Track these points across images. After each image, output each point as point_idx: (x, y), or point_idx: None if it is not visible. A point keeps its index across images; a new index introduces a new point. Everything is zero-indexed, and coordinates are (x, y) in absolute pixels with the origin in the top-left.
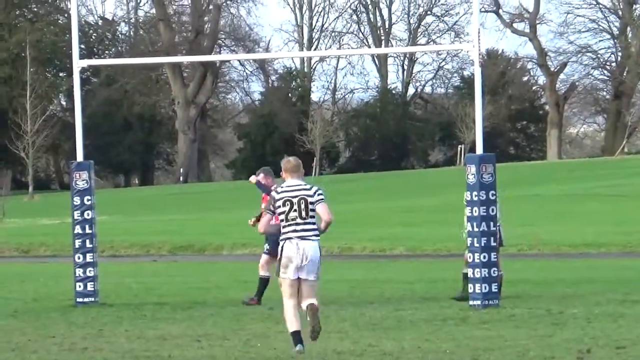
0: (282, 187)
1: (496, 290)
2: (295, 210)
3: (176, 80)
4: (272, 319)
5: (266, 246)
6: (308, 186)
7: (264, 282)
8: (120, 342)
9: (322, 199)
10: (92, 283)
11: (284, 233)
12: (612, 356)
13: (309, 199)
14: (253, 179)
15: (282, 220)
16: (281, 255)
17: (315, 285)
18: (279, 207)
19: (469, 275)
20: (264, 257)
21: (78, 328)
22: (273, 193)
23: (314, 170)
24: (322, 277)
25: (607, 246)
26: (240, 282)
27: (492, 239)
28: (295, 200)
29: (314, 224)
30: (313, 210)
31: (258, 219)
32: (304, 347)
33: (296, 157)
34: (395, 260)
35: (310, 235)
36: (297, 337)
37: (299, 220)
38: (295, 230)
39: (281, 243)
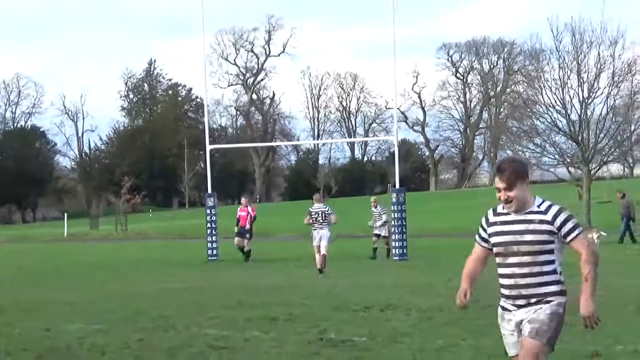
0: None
1: None
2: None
3: (256, 154)
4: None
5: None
6: (325, 206)
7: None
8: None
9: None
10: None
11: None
12: None
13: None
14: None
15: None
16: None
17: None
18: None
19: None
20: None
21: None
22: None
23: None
24: None
25: None
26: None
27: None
28: (319, 212)
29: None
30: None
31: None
32: (321, 274)
33: (316, 193)
34: None
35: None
36: (319, 270)
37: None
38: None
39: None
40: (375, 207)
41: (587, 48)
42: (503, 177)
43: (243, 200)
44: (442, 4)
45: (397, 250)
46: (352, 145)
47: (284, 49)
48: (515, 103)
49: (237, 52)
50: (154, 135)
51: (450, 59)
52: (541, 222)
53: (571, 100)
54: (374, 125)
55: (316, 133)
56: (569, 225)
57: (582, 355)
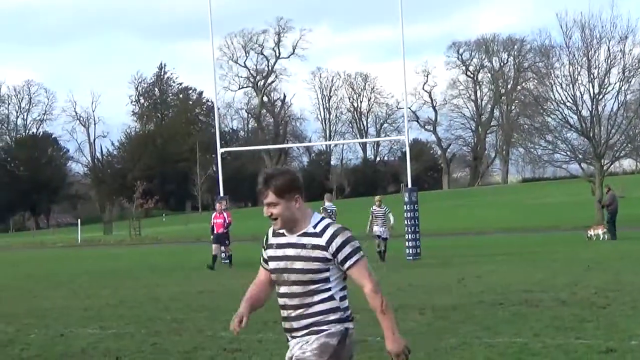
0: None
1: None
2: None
3: (268, 156)
4: None
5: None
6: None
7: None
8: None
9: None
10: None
11: None
12: None
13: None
14: None
15: None
16: None
17: None
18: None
19: None
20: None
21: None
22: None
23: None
24: None
25: None
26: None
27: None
28: (328, 210)
29: None
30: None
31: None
32: None
33: (327, 193)
34: None
35: None
36: None
37: None
38: None
39: None
40: (380, 207)
41: (597, 44)
42: (266, 190)
43: (218, 206)
44: (452, 3)
45: (410, 249)
46: (364, 146)
47: (293, 50)
48: (526, 100)
49: (247, 54)
50: (166, 140)
51: (460, 57)
52: (314, 247)
53: (582, 96)
54: (385, 125)
55: (328, 134)
56: (347, 250)
57: (596, 351)
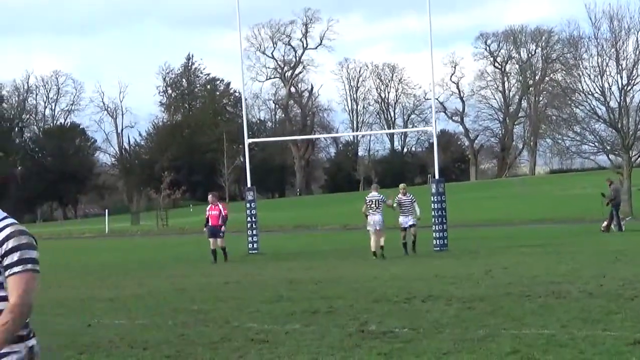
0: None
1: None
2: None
3: (295, 147)
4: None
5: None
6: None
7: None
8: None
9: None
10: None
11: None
12: None
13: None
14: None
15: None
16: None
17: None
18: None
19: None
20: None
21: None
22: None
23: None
24: None
25: None
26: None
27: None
28: (373, 200)
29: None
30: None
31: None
32: (376, 257)
33: (374, 183)
34: None
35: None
36: (374, 253)
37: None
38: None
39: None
40: (405, 195)
41: (626, 34)
42: None
43: (210, 197)
44: None
45: (437, 240)
46: (391, 137)
47: (321, 41)
48: (554, 91)
49: (275, 45)
50: (193, 130)
51: (488, 48)
52: None
53: (610, 88)
54: (412, 116)
55: (355, 125)
56: (14, 257)
57: (624, 343)
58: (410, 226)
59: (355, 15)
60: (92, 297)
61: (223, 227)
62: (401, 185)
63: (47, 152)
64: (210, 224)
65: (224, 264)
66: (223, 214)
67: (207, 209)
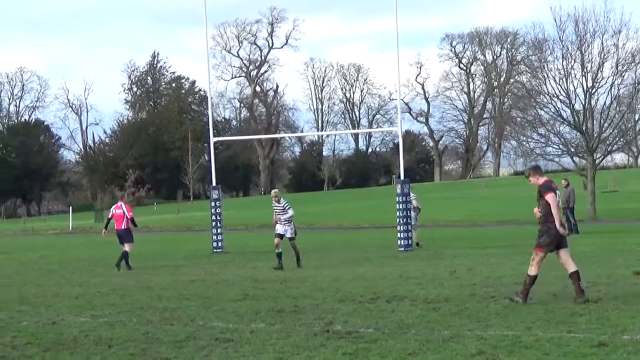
0: None
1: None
2: None
3: (260, 146)
4: None
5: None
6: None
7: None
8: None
9: None
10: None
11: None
12: None
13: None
14: None
15: None
16: None
17: None
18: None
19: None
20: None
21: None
22: None
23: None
24: None
25: None
26: None
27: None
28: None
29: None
30: None
31: None
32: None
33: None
34: None
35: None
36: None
37: None
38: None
39: None
40: (278, 202)
41: (591, 37)
42: None
43: (120, 193)
44: None
45: (402, 241)
46: (356, 137)
47: (286, 41)
48: (519, 93)
49: (240, 44)
50: (158, 128)
51: (453, 49)
52: None
53: (575, 90)
54: (377, 116)
55: (320, 125)
56: None
57: (588, 345)
58: (288, 238)
59: (320, 15)
60: (57, 294)
61: (128, 229)
62: (273, 192)
63: (11, 148)
64: (115, 225)
65: (193, 262)
66: (128, 216)
67: (114, 206)
